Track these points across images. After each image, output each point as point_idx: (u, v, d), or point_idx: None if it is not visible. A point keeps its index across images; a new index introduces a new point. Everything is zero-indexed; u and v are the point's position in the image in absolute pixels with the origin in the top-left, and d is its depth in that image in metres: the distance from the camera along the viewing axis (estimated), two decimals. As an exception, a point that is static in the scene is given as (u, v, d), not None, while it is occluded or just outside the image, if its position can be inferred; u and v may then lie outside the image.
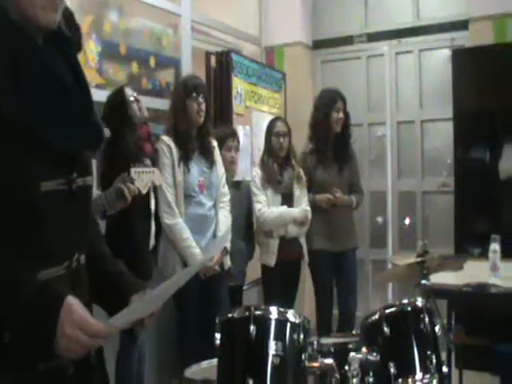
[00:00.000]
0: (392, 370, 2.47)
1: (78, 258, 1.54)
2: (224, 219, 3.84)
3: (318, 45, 6.39)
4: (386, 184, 6.08)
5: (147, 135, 3.63)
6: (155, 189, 3.56)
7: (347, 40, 6.25)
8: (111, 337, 1.44)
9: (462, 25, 5.62)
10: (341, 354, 2.53)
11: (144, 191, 3.22)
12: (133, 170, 3.15)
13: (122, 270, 1.79)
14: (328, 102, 4.49)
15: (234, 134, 4.33)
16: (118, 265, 1.80)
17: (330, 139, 4.48)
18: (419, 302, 2.62)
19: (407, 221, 5.38)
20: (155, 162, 3.61)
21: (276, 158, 4.39)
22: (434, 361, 2.51)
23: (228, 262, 3.88)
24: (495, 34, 5.41)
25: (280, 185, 4.34)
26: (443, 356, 3.18)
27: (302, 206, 4.34)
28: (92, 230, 1.74)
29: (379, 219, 6.06)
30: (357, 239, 4.67)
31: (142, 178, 3.18)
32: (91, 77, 3.86)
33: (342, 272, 4.52)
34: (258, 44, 6.27)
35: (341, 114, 4.46)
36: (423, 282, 2.85)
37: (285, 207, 4.31)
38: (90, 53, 3.94)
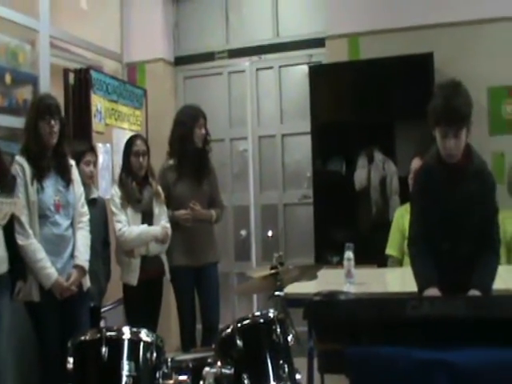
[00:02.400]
0: (246, 381, 2.52)
1: None
2: (82, 239, 3.76)
3: (180, 61, 6.43)
4: (248, 198, 6.19)
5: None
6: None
7: (209, 56, 6.33)
8: None
9: (319, 42, 5.87)
10: (197, 370, 2.55)
11: (2, 222, 3.13)
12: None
13: None
14: (191, 118, 4.51)
15: (91, 149, 4.28)
16: None
17: (190, 155, 4.50)
18: (271, 313, 2.69)
19: (270, 233, 5.50)
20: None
21: (135, 176, 4.35)
22: (287, 369, 2.58)
23: (87, 283, 3.80)
24: (350, 51, 5.69)
25: (140, 203, 4.31)
26: (304, 362, 3.31)
27: (162, 224, 4.33)
28: None
29: (243, 233, 6.14)
30: (218, 253, 4.69)
31: (0, 208, 3.09)
32: None
33: (204, 286, 4.53)
34: (119, 60, 6.21)
35: (203, 130, 4.50)
36: (277, 293, 2.92)
37: (145, 226, 4.28)
38: None
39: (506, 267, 3.00)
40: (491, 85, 5.30)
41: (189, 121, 4.50)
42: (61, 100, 4.27)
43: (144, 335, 2.44)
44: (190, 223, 4.44)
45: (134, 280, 4.23)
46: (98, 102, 5.09)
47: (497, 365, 2.39)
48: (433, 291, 2.85)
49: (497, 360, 2.40)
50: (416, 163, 4.29)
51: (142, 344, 2.42)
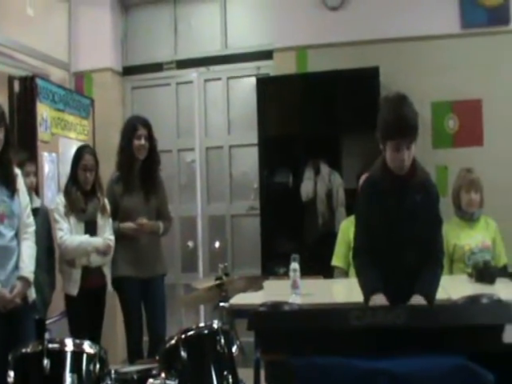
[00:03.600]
0: (190, 392, 2.52)
1: None
2: (27, 250, 3.68)
3: (128, 71, 6.40)
4: (196, 209, 6.17)
5: None
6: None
7: (157, 67, 6.32)
8: None
9: (267, 54, 5.91)
10: (142, 381, 2.54)
11: None
12: None
13: None
14: (130, 129, 4.46)
15: (31, 159, 4.22)
16: None
17: (136, 167, 4.46)
18: (215, 324, 2.70)
19: (217, 244, 5.50)
20: None
21: (81, 187, 4.31)
22: (231, 380, 2.60)
23: (32, 295, 3.73)
24: (297, 64, 5.75)
25: (84, 213, 4.27)
26: (251, 373, 3.32)
27: (105, 236, 4.29)
28: None
29: (190, 244, 6.12)
30: (165, 265, 4.66)
31: None
32: None
33: (151, 298, 4.49)
34: (66, 69, 6.14)
35: (143, 141, 4.42)
36: (222, 304, 2.93)
37: (86, 236, 4.24)
38: None
39: (447, 277, 3.07)
40: (435, 100, 5.45)
41: (127, 132, 4.46)
42: (5, 108, 4.19)
43: (87, 347, 2.42)
44: (138, 235, 4.40)
45: (74, 290, 4.18)
46: (43, 111, 5.02)
47: (437, 372, 2.44)
48: (379, 298, 2.88)
49: (437, 368, 2.45)
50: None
51: (85, 356, 2.40)
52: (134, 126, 4.45)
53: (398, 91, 3.04)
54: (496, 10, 5.40)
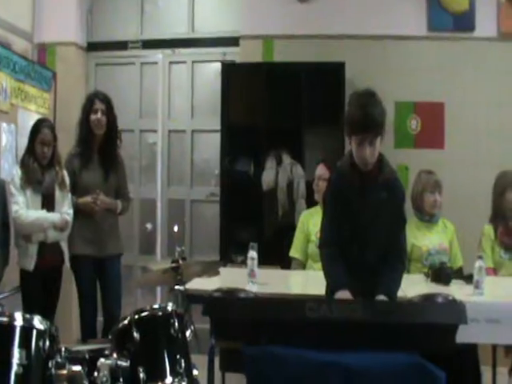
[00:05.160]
0: (141, 374, 2.49)
1: None
2: None
3: (93, 47, 6.26)
4: (155, 191, 6.11)
5: None
6: None
7: (122, 45, 6.21)
8: None
9: (234, 41, 5.86)
10: (93, 361, 2.49)
11: None
12: None
13: None
14: (87, 103, 4.43)
15: None
16: None
17: (95, 142, 4.40)
18: (170, 306, 2.66)
19: (176, 228, 5.46)
20: None
21: (38, 160, 4.21)
22: (184, 365, 2.57)
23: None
24: (264, 53, 5.73)
25: (41, 185, 4.17)
26: (205, 360, 3.29)
27: (63, 210, 4.21)
28: None
29: (148, 226, 6.08)
30: (121, 245, 4.60)
31: None
32: None
33: (106, 277, 4.44)
34: (29, 40, 5.98)
35: (99, 115, 4.37)
36: (177, 287, 2.91)
37: (43, 212, 4.14)
38: None
39: (404, 276, 3.09)
40: (398, 99, 5.48)
41: (85, 106, 4.43)
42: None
43: (37, 323, 2.34)
44: (95, 212, 4.33)
45: (30, 266, 4.10)
46: (3, 80, 4.88)
47: (390, 368, 2.46)
48: (344, 294, 2.89)
49: (390, 364, 2.47)
50: (320, 170, 4.37)
51: (34, 332, 2.32)
52: (92, 101, 4.41)
53: (368, 88, 3.05)
54: (461, 17, 5.49)
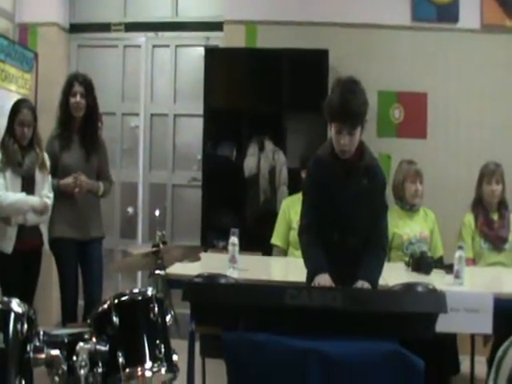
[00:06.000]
0: (121, 359, 2.48)
1: None
2: None
3: (75, 28, 6.18)
4: (137, 175, 6.09)
5: None
6: None
7: (105, 27, 6.14)
8: None
9: (217, 26, 5.82)
10: (72, 345, 2.48)
11: None
12: None
13: None
14: (66, 85, 4.38)
15: None
16: None
17: (75, 124, 4.37)
18: (150, 291, 2.65)
19: (157, 212, 5.44)
20: None
21: (18, 141, 4.16)
22: (163, 350, 2.56)
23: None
24: (247, 38, 5.69)
25: (21, 167, 4.12)
26: (185, 345, 3.29)
27: (43, 193, 4.17)
28: None
29: (130, 210, 6.06)
30: (103, 228, 4.58)
31: None
32: None
33: (87, 261, 4.42)
34: (10, 20, 5.89)
35: (78, 98, 4.33)
36: (157, 271, 2.89)
37: (23, 194, 4.09)
38: None
39: (385, 264, 3.11)
40: (381, 88, 5.49)
41: (64, 88, 4.40)
42: None
43: (15, 305, 2.32)
44: (78, 193, 4.29)
45: (8, 248, 4.05)
46: (-18, 59, 4.82)
47: (369, 356, 2.48)
48: (323, 277, 2.90)
49: (369, 352, 2.49)
50: None
51: (12, 314, 2.30)
52: (71, 83, 4.37)
53: (352, 76, 3.04)
54: (445, 8, 5.50)
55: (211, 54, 5.61)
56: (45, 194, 4.18)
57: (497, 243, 4.41)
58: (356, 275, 2.92)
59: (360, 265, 2.95)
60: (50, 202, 4.19)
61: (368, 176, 3.02)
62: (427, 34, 5.52)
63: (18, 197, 4.07)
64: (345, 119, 2.87)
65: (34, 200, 4.12)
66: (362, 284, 2.88)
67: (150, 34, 6.09)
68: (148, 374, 2.49)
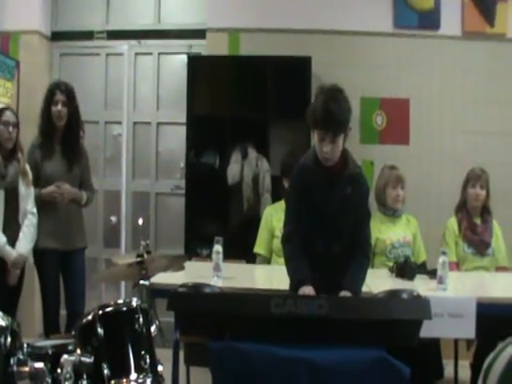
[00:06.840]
0: (106, 371, 2.47)
1: None
2: None
3: (57, 36, 6.15)
4: (120, 183, 6.05)
5: None
6: None
7: (87, 35, 6.11)
8: None
9: (200, 33, 5.81)
10: (56, 357, 2.46)
11: None
12: None
13: None
14: (48, 94, 4.35)
15: None
16: None
17: (57, 133, 4.34)
18: (134, 302, 2.64)
19: (141, 221, 5.42)
20: None
21: (2, 149, 4.11)
22: (149, 361, 2.55)
23: None
24: (230, 46, 5.70)
25: (4, 180, 4.08)
26: (170, 354, 3.28)
27: (28, 208, 4.11)
28: None
29: (113, 219, 6.03)
30: (86, 238, 4.55)
31: None
32: None
33: (70, 271, 4.38)
34: (-9, 28, 5.87)
35: (59, 107, 4.30)
36: (142, 282, 2.88)
37: (3, 240, 4.01)
38: None
39: (369, 271, 3.12)
40: (364, 95, 5.52)
41: (46, 97, 4.37)
42: None
43: (-2, 319, 2.31)
44: (61, 202, 4.26)
45: None
46: (-37, 69, 4.79)
47: (355, 364, 2.48)
48: (307, 289, 2.90)
49: (355, 359, 2.49)
50: None
51: (-5, 328, 2.29)
52: (52, 92, 4.34)
53: (335, 84, 3.04)
54: (427, 15, 5.54)
55: (194, 61, 5.60)
56: (29, 210, 4.13)
57: (480, 248, 4.44)
58: (340, 283, 2.92)
59: (344, 273, 2.95)
60: (34, 219, 4.16)
61: (352, 184, 3.02)
62: (409, 40, 5.56)
63: None
64: (327, 127, 2.88)
65: (10, 253, 4.03)
66: (345, 294, 2.88)
67: (133, 42, 6.07)
68: (133, 385, 2.48)
